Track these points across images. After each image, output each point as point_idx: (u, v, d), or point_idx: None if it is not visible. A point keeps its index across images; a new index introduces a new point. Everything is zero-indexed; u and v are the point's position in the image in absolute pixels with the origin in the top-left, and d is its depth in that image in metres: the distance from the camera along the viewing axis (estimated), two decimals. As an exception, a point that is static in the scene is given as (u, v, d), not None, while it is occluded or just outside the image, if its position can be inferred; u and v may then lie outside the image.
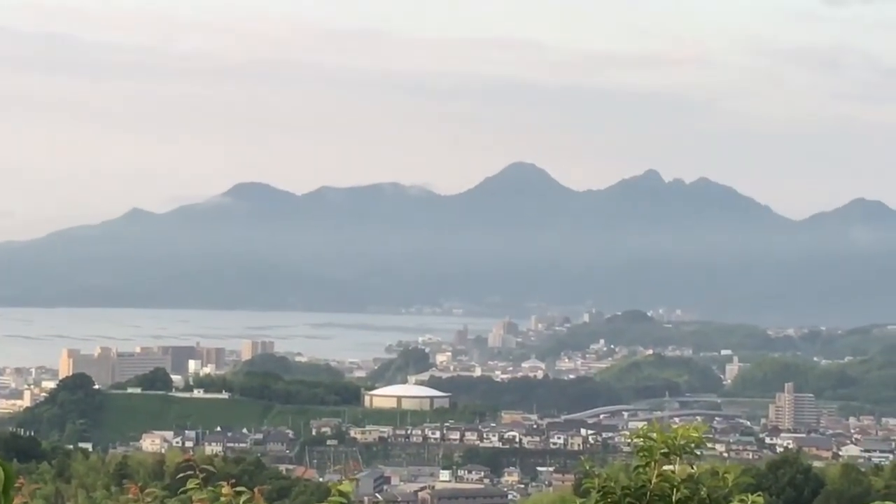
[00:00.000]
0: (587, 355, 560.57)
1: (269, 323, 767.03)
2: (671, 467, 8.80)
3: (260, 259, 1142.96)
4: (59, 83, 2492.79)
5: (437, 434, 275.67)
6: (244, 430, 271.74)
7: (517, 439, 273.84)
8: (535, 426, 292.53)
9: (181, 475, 8.68)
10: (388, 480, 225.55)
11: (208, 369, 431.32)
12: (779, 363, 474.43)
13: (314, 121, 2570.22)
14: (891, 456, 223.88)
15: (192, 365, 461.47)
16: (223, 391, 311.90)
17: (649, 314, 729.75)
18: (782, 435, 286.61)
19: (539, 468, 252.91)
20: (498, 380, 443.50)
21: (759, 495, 8.60)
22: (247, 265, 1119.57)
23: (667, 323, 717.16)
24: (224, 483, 8.25)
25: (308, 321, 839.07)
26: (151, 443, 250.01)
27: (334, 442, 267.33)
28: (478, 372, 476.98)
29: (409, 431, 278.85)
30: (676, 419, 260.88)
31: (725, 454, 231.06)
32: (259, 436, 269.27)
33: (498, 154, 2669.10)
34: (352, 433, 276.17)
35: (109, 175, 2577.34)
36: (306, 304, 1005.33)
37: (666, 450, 8.76)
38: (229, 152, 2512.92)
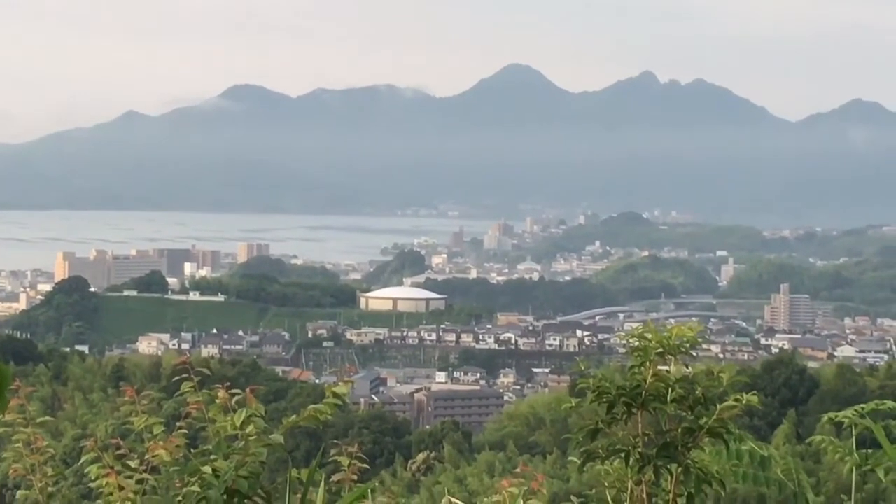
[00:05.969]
0: (583, 257, 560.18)
1: (264, 225, 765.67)
2: (666, 368, 8.72)
3: (255, 161, 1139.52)
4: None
5: (433, 336, 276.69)
6: (240, 333, 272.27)
7: (513, 341, 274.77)
8: (530, 328, 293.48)
9: (177, 378, 8.69)
10: (384, 382, 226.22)
11: (204, 272, 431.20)
12: (774, 264, 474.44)
13: (309, 23, 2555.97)
14: (886, 356, 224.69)
15: (188, 268, 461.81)
16: (219, 294, 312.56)
17: (645, 216, 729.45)
18: (777, 336, 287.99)
19: (535, 369, 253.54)
20: (493, 282, 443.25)
21: (753, 394, 8.72)
22: (242, 168, 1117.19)
23: (662, 225, 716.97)
24: (220, 385, 8.63)
25: (303, 224, 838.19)
26: (148, 345, 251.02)
27: (330, 344, 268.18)
28: (473, 274, 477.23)
29: (404, 333, 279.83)
30: (672, 320, 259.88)
31: (721, 355, 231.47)
32: (255, 338, 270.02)
33: (493, 56, 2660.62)
34: (348, 335, 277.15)
35: (103, 78, 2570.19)
36: (301, 206, 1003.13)
37: (661, 350, 8.69)
38: (224, 55, 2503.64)
